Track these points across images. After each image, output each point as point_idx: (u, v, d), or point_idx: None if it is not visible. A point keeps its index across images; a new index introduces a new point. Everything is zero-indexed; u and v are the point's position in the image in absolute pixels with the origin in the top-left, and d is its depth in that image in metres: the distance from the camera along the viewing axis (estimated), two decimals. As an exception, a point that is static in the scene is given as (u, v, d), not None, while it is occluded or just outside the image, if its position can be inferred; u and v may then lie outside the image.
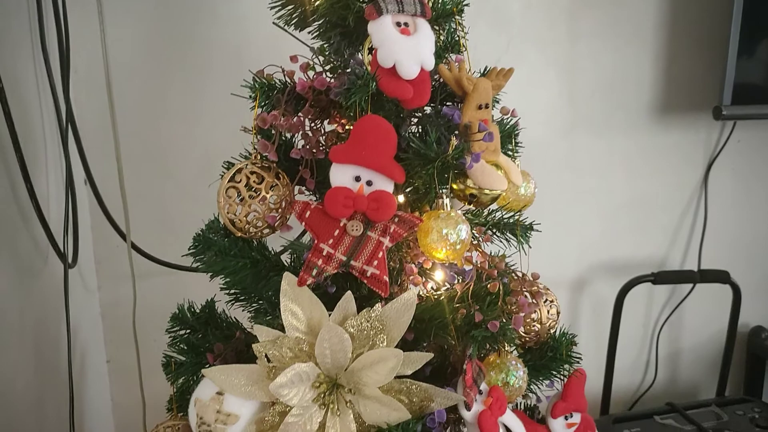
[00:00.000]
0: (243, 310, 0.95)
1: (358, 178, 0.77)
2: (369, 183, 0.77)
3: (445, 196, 0.80)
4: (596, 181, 1.63)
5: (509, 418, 0.86)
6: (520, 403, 0.99)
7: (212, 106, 1.35)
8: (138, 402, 1.38)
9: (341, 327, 0.75)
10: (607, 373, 1.61)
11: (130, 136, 1.33)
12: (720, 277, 1.56)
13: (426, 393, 0.78)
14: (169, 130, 1.37)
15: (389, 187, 0.77)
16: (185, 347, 0.93)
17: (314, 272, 0.75)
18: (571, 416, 0.97)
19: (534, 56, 1.53)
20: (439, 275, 0.91)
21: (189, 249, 0.93)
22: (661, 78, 1.59)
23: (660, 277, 1.55)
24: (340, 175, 0.77)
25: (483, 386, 0.85)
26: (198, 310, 0.99)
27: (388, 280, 0.76)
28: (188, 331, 0.98)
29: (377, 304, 0.76)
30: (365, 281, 0.76)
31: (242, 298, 0.94)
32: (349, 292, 0.76)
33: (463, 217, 0.80)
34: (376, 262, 0.75)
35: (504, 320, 0.81)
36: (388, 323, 0.76)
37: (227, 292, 0.93)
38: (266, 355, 0.76)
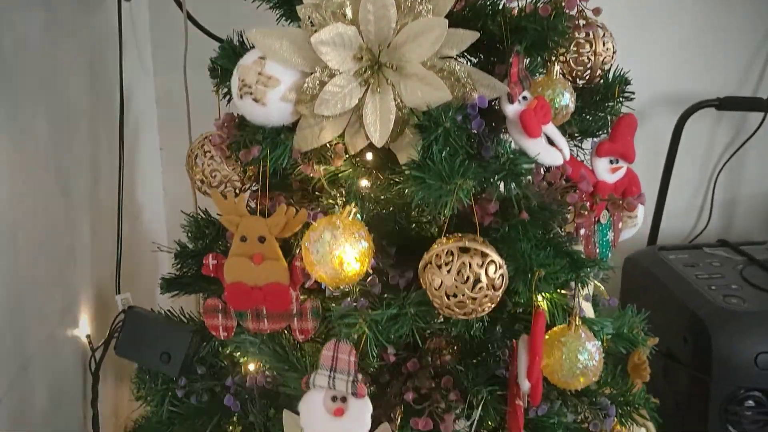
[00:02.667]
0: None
1: None
2: None
3: None
4: (665, 7, 1.55)
5: (552, 129, 0.84)
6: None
7: None
8: (189, 190, 1.41)
9: (386, -8, 0.73)
10: (657, 206, 1.57)
11: None
12: (790, 106, 1.48)
13: (470, 76, 0.77)
14: None
15: None
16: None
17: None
18: (617, 161, 0.94)
19: None
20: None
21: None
22: None
23: (725, 103, 1.47)
24: None
25: (527, 94, 0.83)
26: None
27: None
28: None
29: (424, -31, 0.74)
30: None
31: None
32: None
33: None
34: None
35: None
36: (434, -8, 0.74)
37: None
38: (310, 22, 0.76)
